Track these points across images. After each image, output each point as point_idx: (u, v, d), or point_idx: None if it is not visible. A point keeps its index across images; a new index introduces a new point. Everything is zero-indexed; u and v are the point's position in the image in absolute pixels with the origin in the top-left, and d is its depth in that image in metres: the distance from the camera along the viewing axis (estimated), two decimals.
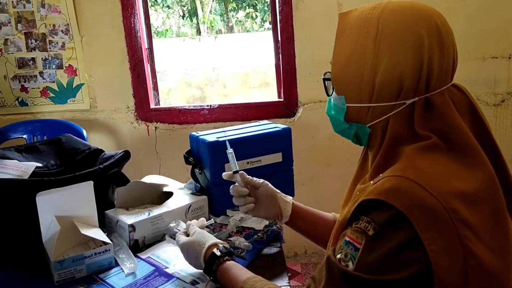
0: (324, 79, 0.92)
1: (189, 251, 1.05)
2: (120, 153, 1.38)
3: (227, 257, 0.99)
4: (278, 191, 1.19)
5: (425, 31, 0.78)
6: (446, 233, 0.69)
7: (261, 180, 1.19)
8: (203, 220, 1.17)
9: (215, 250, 1.00)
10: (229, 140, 1.37)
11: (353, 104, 0.85)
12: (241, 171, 1.18)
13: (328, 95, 0.92)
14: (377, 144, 0.83)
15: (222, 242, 1.04)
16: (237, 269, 0.97)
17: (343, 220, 0.79)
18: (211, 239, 1.04)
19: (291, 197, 1.19)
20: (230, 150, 1.18)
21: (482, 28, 2.30)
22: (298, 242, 2.62)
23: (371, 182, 0.78)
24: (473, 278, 0.69)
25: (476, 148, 0.77)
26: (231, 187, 1.17)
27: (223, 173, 1.18)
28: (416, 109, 0.79)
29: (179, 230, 1.23)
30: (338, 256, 0.75)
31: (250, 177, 1.18)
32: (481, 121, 0.81)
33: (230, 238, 1.24)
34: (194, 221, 1.15)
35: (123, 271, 1.11)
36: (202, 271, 1.02)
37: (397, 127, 0.80)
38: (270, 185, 1.19)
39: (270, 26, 2.57)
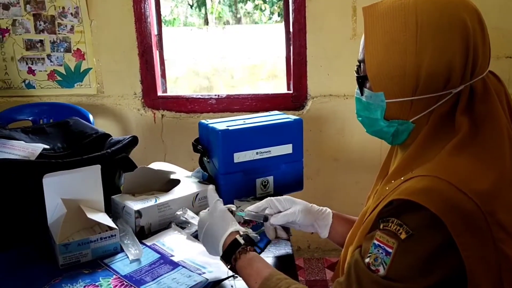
0: (358, 77, 0.86)
1: (208, 231, 0.98)
2: (128, 138, 1.37)
3: (249, 246, 0.93)
4: (316, 208, 1.11)
5: (468, 16, 0.75)
6: (482, 237, 0.67)
7: (294, 211, 1.09)
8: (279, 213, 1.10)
9: (238, 237, 0.93)
10: (240, 129, 1.36)
11: (394, 100, 0.80)
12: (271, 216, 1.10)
13: (361, 94, 0.86)
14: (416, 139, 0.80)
15: (244, 229, 0.97)
16: (260, 262, 0.91)
17: (372, 217, 0.77)
18: (233, 224, 0.96)
19: (329, 211, 1.12)
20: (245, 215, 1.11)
21: (497, 26, 2.26)
22: (301, 236, 2.60)
23: (402, 178, 0.75)
24: (508, 281, 0.67)
25: (507, 141, 0.74)
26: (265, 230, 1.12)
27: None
28: (461, 98, 0.76)
29: (186, 218, 1.21)
30: (367, 260, 0.72)
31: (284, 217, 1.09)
32: None
33: None
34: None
35: (128, 257, 1.10)
36: (216, 256, 0.97)
37: (439, 118, 0.77)
38: (306, 211, 1.10)
39: (279, 19, 2.54)
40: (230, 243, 0.93)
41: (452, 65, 0.75)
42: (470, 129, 0.74)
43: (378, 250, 0.71)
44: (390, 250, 0.69)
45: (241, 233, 0.95)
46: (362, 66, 0.85)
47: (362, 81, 0.85)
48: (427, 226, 0.67)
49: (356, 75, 0.87)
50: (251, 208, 1.11)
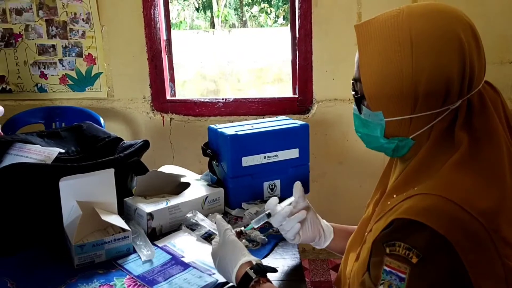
0: (357, 98, 0.84)
1: (220, 264, 0.98)
2: (140, 142, 1.41)
3: (262, 277, 0.91)
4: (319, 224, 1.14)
5: (462, 30, 0.75)
6: (488, 255, 0.67)
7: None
8: (275, 200, 1.10)
9: (248, 270, 0.92)
10: (248, 134, 1.40)
11: (393, 118, 0.79)
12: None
13: (359, 112, 0.86)
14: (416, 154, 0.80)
15: (255, 258, 0.96)
16: None
17: (374, 234, 0.77)
18: (242, 255, 0.95)
19: (331, 229, 1.15)
20: (255, 226, 1.13)
21: (501, 32, 2.29)
22: None
23: (404, 194, 0.75)
24: None
25: (505, 155, 0.75)
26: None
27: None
28: (459, 112, 0.76)
29: (196, 220, 1.25)
30: (381, 287, 0.71)
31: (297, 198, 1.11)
32: (509, 122, 0.79)
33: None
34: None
35: (140, 258, 1.14)
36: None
37: (440, 133, 0.77)
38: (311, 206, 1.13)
39: (284, 22, 2.58)
40: (242, 277, 0.92)
41: (450, 82, 0.74)
42: (470, 145, 0.73)
43: (391, 277, 0.70)
44: (403, 276, 0.68)
45: (253, 262, 0.94)
46: (358, 85, 0.83)
47: (359, 99, 0.84)
48: (435, 246, 0.67)
49: (352, 93, 0.86)
50: (254, 220, 1.12)
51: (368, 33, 0.80)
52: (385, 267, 0.71)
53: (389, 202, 0.78)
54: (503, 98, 0.81)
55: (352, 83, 0.86)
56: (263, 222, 1.12)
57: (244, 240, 1.19)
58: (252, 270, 0.92)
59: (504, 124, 0.78)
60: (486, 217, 0.68)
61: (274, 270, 0.97)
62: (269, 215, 1.11)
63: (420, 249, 0.68)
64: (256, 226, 1.11)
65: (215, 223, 1.26)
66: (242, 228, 1.11)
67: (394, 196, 0.79)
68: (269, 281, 0.93)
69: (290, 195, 1.22)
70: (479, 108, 0.76)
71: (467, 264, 0.66)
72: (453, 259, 0.67)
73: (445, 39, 0.74)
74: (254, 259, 0.95)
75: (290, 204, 1.10)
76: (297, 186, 1.11)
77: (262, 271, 0.93)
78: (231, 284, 0.99)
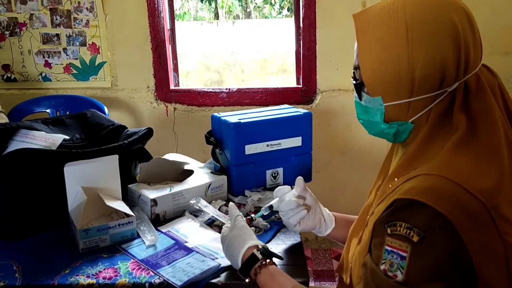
0: (357, 84, 0.87)
1: (228, 247, 1.01)
2: (144, 130, 1.42)
3: (268, 260, 0.95)
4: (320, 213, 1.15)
5: (456, 15, 0.77)
6: (488, 233, 0.69)
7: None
8: (288, 188, 1.15)
9: (255, 252, 0.95)
10: (251, 122, 1.40)
11: (392, 103, 0.82)
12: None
13: (360, 99, 0.88)
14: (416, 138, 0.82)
15: (262, 243, 0.99)
16: (283, 276, 0.93)
17: (375, 216, 0.78)
18: (250, 238, 0.98)
19: (333, 218, 1.16)
20: (264, 213, 1.18)
21: (506, 23, 2.28)
22: None
23: (405, 176, 0.76)
24: None
25: (502, 135, 0.76)
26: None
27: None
28: (457, 95, 0.78)
29: (199, 207, 1.27)
30: (382, 267, 0.72)
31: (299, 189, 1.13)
32: (507, 105, 0.80)
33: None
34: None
35: (144, 242, 1.15)
36: (238, 268, 0.97)
37: (438, 116, 0.79)
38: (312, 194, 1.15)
39: (288, 13, 2.57)
40: (248, 258, 0.95)
41: (445, 66, 0.76)
42: (468, 126, 0.75)
43: (392, 256, 0.71)
44: (404, 255, 0.70)
45: (260, 247, 0.97)
46: (358, 72, 0.86)
47: (359, 86, 0.87)
48: (436, 226, 0.68)
49: (352, 81, 0.88)
50: (262, 208, 1.18)
51: (365, 21, 0.82)
52: (387, 247, 0.72)
53: (390, 185, 0.80)
54: (501, 81, 0.82)
55: (353, 71, 0.88)
56: (268, 211, 1.17)
57: (253, 227, 1.21)
58: (259, 252, 0.95)
59: (501, 105, 0.79)
60: (486, 195, 0.69)
61: (280, 257, 1.00)
62: (271, 207, 1.16)
63: (421, 228, 0.69)
64: (265, 214, 1.17)
65: (218, 209, 1.28)
66: (253, 215, 1.17)
67: (396, 179, 0.80)
68: (274, 264, 0.95)
69: (293, 183, 1.23)
70: (476, 90, 0.78)
71: (467, 242, 0.67)
72: (453, 238, 0.68)
73: (439, 25, 0.76)
74: (261, 244, 0.98)
75: (296, 196, 1.13)
76: (299, 181, 1.13)
77: (269, 254, 0.96)
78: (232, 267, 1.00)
